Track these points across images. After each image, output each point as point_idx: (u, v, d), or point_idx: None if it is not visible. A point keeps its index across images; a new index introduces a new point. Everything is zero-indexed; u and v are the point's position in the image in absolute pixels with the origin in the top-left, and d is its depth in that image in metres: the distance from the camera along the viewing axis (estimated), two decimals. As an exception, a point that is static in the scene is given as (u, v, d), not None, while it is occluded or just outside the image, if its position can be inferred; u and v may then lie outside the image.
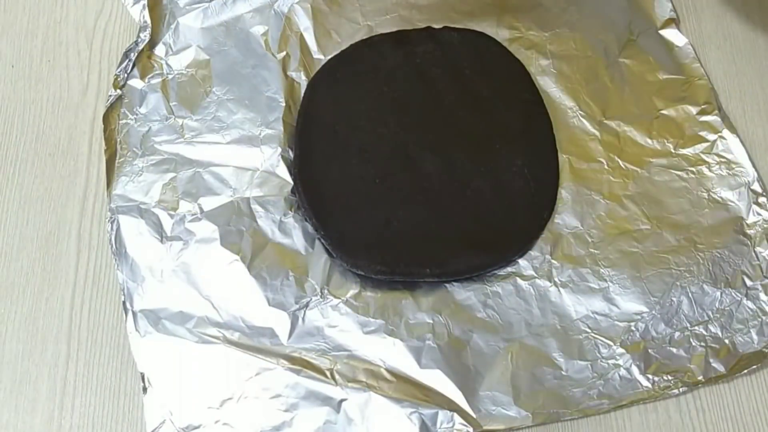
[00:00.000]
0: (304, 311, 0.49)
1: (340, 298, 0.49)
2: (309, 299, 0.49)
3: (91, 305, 0.50)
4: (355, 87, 0.54)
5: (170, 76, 0.55)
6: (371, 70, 0.55)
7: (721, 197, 0.52)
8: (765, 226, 0.51)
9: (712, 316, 0.48)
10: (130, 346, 0.48)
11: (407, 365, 0.47)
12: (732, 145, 0.53)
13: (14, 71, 0.57)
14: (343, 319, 0.48)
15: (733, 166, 0.53)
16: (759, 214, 0.51)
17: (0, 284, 0.50)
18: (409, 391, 0.47)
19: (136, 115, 0.54)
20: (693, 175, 0.52)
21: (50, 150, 0.54)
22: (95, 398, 0.48)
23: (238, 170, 0.52)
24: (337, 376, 0.47)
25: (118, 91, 0.54)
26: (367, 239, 0.50)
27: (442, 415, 0.46)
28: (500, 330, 0.48)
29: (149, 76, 0.55)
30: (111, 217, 0.51)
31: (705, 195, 0.52)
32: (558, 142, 0.53)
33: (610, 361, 0.47)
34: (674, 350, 0.48)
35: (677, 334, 0.48)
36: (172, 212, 0.51)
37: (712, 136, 0.54)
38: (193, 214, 0.51)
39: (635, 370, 0.47)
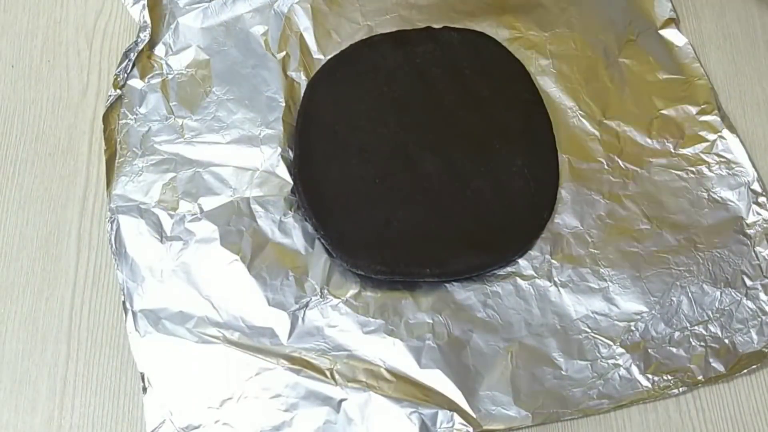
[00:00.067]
0: (304, 311, 0.49)
1: (340, 298, 0.49)
2: (309, 299, 0.49)
3: (91, 305, 0.50)
4: (355, 87, 0.54)
5: (170, 76, 0.55)
6: (371, 70, 0.55)
7: (721, 197, 0.52)
8: (765, 225, 0.51)
9: (711, 315, 0.48)
10: (130, 346, 0.48)
11: (407, 365, 0.47)
12: (732, 145, 0.53)
13: (14, 71, 0.57)
14: (343, 319, 0.48)
15: (733, 165, 0.53)
16: (759, 214, 0.51)
17: (0, 284, 0.50)
18: (408, 390, 0.47)
19: (136, 115, 0.54)
20: (693, 175, 0.52)
21: (50, 150, 0.54)
22: (95, 398, 0.48)
23: (238, 170, 0.52)
24: (336, 376, 0.47)
25: (118, 91, 0.54)
26: (367, 239, 0.50)
27: (442, 414, 0.46)
28: (500, 330, 0.48)
29: (149, 76, 0.55)
30: (111, 217, 0.51)
31: (705, 195, 0.52)
32: (558, 142, 0.53)
33: (610, 361, 0.47)
34: (674, 350, 0.48)
35: (677, 333, 0.48)
36: (171, 212, 0.51)
37: (711, 136, 0.54)
38: (192, 214, 0.51)
39: (635, 369, 0.47)
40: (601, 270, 0.50)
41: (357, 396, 0.46)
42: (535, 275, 0.50)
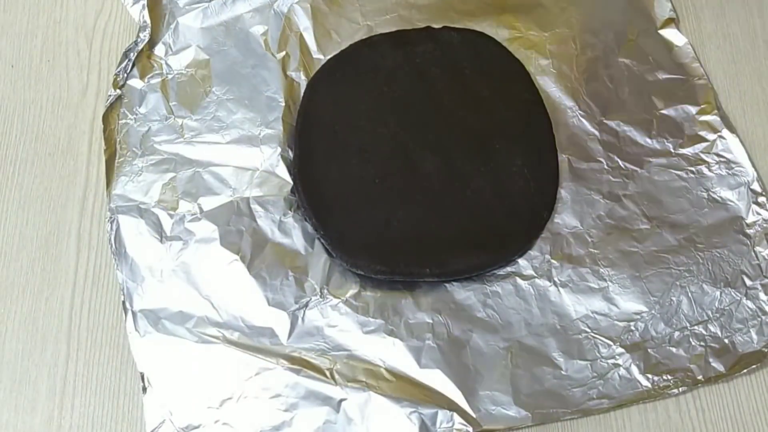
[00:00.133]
0: (304, 311, 0.49)
1: (339, 298, 0.49)
2: (309, 299, 0.49)
3: (91, 305, 0.50)
4: (354, 87, 0.54)
5: (170, 76, 0.55)
6: (371, 70, 0.55)
7: (721, 197, 0.52)
8: (764, 225, 0.51)
9: (711, 315, 0.48)
10: (130, 345, 0.48)
11: (407, 365, 0.47)
12: (731, 145, 0.53)
13: (14, 71, 0.57)
14: (342, 319, 0.48)
15: (733, 165, 0.53)
16: (758, 214, 0.51)
17: (0, 284, 0.50)
18: (408, 390, 0.47)
19: (136, 114, 0.54)
20: (692, 175, 0.52)
21: (50, 150, 0.54)
22: (95, 398, 0.48)
23: (238, 170, 0.52)
24: (336, 376, 0.47)
25: (118, 91, 0.54)
26: (367, 239, 0.50)
27: (442, 414, 0.46)
28: (500, 330, 0.48)
29: (149, 76, 0.55)
30: (111, 217, 0.51)
31: (704, 195, 0.52)
32: (558, 141, 0.53)
33: (610, 361, 0.47)
34: (674, 350, 0.48)
35: (677, 333, 0.48)
36: (171, 212, 0.51)
37: (711, 136, 0.54)
38: (192, 214, 0.51)
39: (635, 369, 0.47)
40: (601, 270, 0.50)
41: (357, 396, 0.46)
42: (535, 275, 0.50)
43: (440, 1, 0.58)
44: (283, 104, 0.54)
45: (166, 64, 0.55)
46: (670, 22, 0.57)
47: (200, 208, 0.51)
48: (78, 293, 0.50)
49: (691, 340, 0.48)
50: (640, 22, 0.57)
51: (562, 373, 0.47)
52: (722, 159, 0.53)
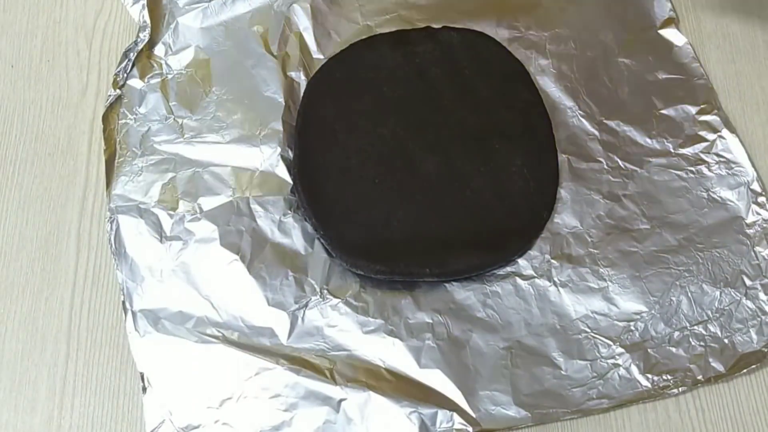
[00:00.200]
0: (304, 311, 0.49)
1: (339, 298, 0.49)
2: (308, 299, 0.49)
3: (91, 305, 0.50)
4: (354, 87, 0.54)
5: (170, 76, 0.55)
6: (371, 70, 0.55)
7: (721, 197, 0.52)
8: (764, 225, 0.51)
9: (711, 315, 0.48)
10: (130, 345, 0.48)
11: (407, 365, 0.47)
12: (731, 145, 0.53)
13: (14, 71, 0.57)
14: (342, 319, 0.48)
15: (733, 165, 0.53)
16: (758, 214, 0.51)
17: (0, 284, 0.50)
18: (408, 390, 0.47)
19: (136, 114, 0.54)
20: (692, 175, 0.52)
21: (50, 150, 0.54)
22: (95, 398, 0.48)
23: (238, 170, 0.52)
24: (336, 376, 0.47)
25: (118, 91, 0.54)
26: (367, 239, 0.50)
27: (442, 414, 0.46)
28: (500, 329, 0.48)
29: (149, 76, 0.55)
30: (110, 217, 0.51)
31: (704, 194, 0.52)
32: (557, 141, 0.53)
33: (610, 361, 0.47)
34: (674, 350, 0.48)
35: (676, 333, 0.48)
36: (171, 212, 0.51)
37: (711, 136, 0.54)
38: (192, 214, 0.51)
39: (635, 369, 0.47)
40: (601, 270, 0.50)
41: (356, 396, 0.46)
42: (535, 275, 0.50)
43: (440, 1, 0.58)
44: (283, 104, 0.54)
45: (166, 64, 0.55)
46: (670, 22, 0.57)
47: (200, 208, 0.51)
48: (78, 293, 0.50)
49: (690, 340, 0.48)
50: (640, 22, 0.57)
51: (562, 373, 0.47)
52: (722, 159, 0.53)
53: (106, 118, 0.54)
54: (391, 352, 0.48)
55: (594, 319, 0.48)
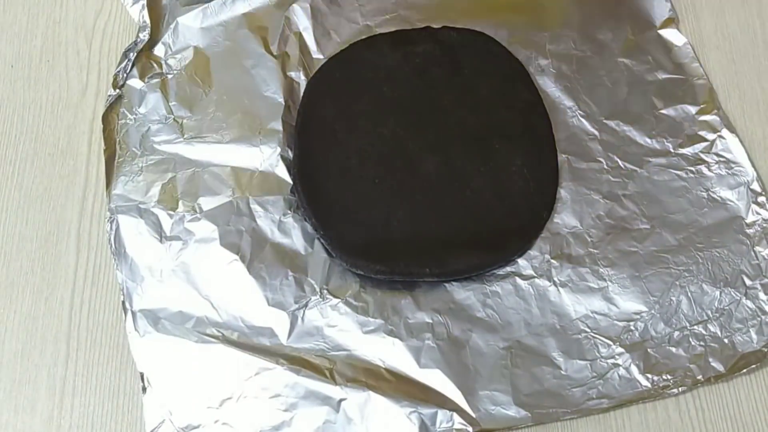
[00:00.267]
0: (304, 311, 0.49)
1: (339, 298, 0.49)
2: (308, 299, 0.49)
3: (91, 305, 0.50)
4: (354, 87, 0.54)
5: (169, 76, 0.55)
6: (371, 70, 0.55)
7: (721, 197, 0.52)
8: (764, 225, 0.51)
9: (711, 315, 0.48)
10: (130, 345, 0.48)
11: (406, 365, 0.47)
12: (731, 145, 0.53)
13: (14, 71, 0.57)
14: (342, 319, 0.48)
15: (733, 165, 0.53)
16: (758, 214, 0.51)
17: (0, 284, 0.51)
18: (408, 390, 0.47)
19: (136, 114, 0.54)
20: (692, 175, 0.52)
21: (50, 150, 0.54)
22: (94, 398, 0.48)
23: (238, 170, 0.52)
24: (336, 376, 0.47)
25: (118, 90, 0.54)
26: (367, 239, 0.50)
27: (442, 414, 0.46)
28: (499, 329, 0.48)
29: (148, 75, 0.55)
30: (110, 217, 0.51)
31: (704, 194, 0.52)
32: (557, 141, 0.53)
33: (610, 361, 0.47)
34: (673, 350, 0.48)
35: (676, 333, 0.48)
36: (171, 212, 0.51)
37: (711, 136, 0.54)
38: (192, 214, 0.51)
39: (634, 369, 0.47)
40: (601, 270, 0.50)
41: (356, 396, 0.46)
42: (535, 275, 0.50)
43: (440, 1, 0.58)
44: (283, 104, 0.54)
45: (166, 64, 0.55)
46: (670, 22, 0.57)
47: (200, 208, 0.51)
48: (78, 293, 0.50)
49: (690, 339, 0.48)
50: (640, 22, 0.57)
51: (562, 372, 0.47)
52: (722, 159, 0.53)
53: (106, 118, 0.54)
54: (391, 352, 0.48)
55: (594, 318, 0.48)
